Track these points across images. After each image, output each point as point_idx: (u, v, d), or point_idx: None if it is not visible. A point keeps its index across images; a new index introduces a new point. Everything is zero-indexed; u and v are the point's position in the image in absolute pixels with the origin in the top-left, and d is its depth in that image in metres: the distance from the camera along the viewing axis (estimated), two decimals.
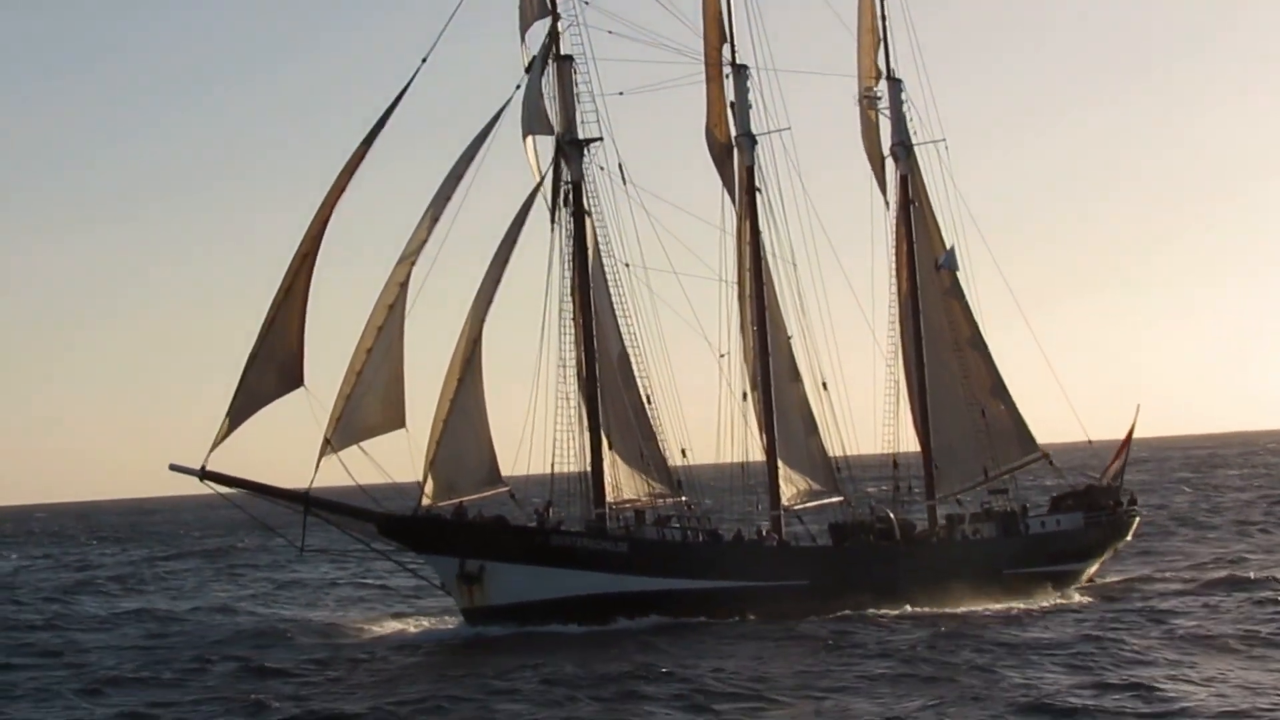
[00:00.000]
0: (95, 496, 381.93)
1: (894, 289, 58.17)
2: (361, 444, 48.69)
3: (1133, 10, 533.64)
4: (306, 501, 48.30)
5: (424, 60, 49.95)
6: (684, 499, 52.79)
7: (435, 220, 49.39)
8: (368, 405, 48.69)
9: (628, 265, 52.23)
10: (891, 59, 58.36)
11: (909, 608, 50.23)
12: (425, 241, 49.23)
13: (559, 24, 51.85)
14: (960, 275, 57.96)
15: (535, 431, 50.23)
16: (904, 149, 58.40)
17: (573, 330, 51.56)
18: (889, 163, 58.55)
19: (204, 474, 47.79)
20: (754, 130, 55.17)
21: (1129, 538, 59.77)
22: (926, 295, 58.05)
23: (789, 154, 55.45)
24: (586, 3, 51.79)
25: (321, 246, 48.75)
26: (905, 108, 58.37)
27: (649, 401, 52.32)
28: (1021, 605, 50.55)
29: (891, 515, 55.39)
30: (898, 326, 57.94)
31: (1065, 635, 42.52)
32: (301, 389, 48.76)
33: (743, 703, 34.62)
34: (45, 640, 51.12)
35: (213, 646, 47.17)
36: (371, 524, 49.05)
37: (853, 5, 58.20)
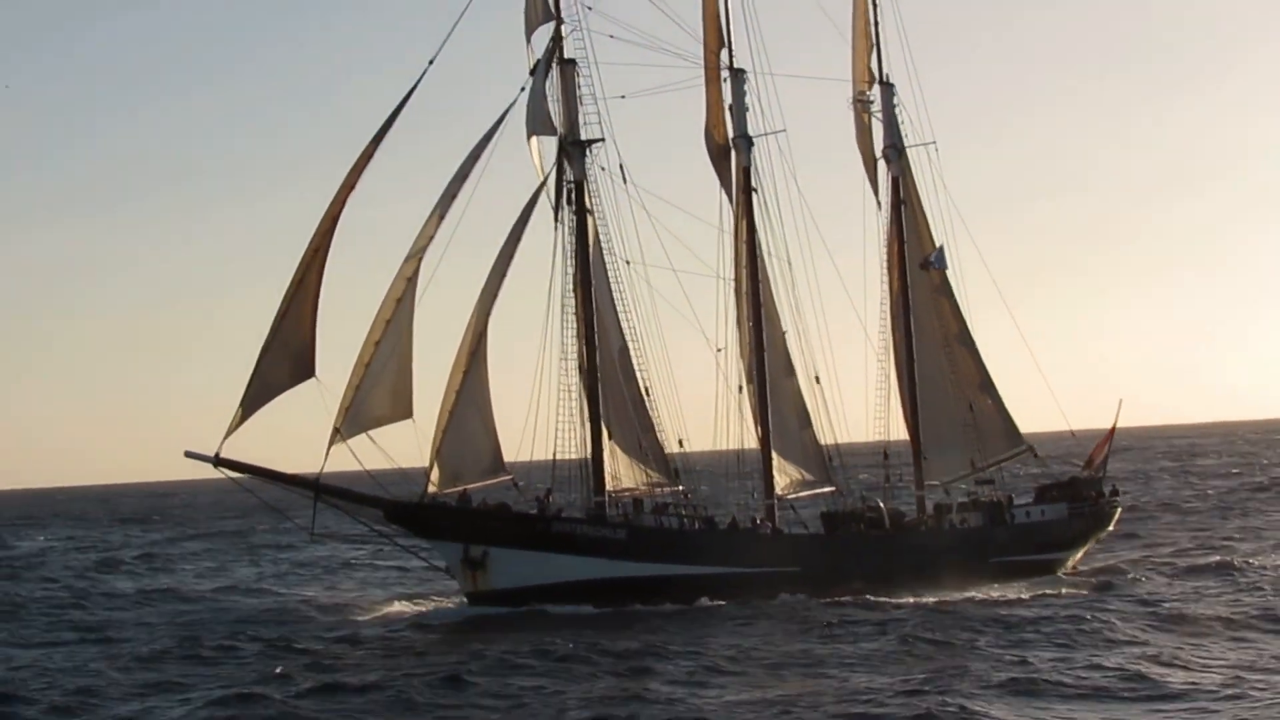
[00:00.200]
0: (114, 480, 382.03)
1: (885, 286, 57.96)
2: (369, 432, 48.51)
3: (1103, 19, 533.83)
4: (317, 488, 48.14)
5: (431, 61, 49.91)
6: (681, 488, 52.59)
7: (442, 217, 49.23)
8: (376, 396, 48.56)
9: (628, 262, 52.10)
10: (884, 63, 58.17)
11: (899, 593, 49.96)
12: (433, 237, 49.08)
13: (562, 28, 51.64)
14: (949, 273, 57.78)
15: (538, 421, 50.17)
16: (896, 151, 58.11)
17: (574, 324, 51.40)
18: (881, 164, 58.29)
19: (218, 461, 47.68)
20: (750, 132, 54.99)
21: (1111, 527, 59.56)
22: (917, 293, 57.81)
23: (784, 155, 55.54)
24: (589, 8, 51.70)
25: (331, 242, 48.51)
26: (897, 111, 58.10)
27: (648, 394, 52.17)
28: (1007, 592, 50.25)
29: (881, 504, 55.32)
30: (889, 323, 57.71)
31: (1051, 618, 42.22)
32: (313, 379, 48.60)
33: (751, 677, 34.71)
34: (81, 618, 51.16)
35: (239, 624, 47.25)
36: (379, 510, 49.00)
37: (847, 12, 58.11)
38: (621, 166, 51.86)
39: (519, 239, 50.29)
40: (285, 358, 48.17)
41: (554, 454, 50.42)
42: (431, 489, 49.16)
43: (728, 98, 54.86)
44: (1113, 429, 60.32)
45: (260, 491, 50.06)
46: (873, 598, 48.77)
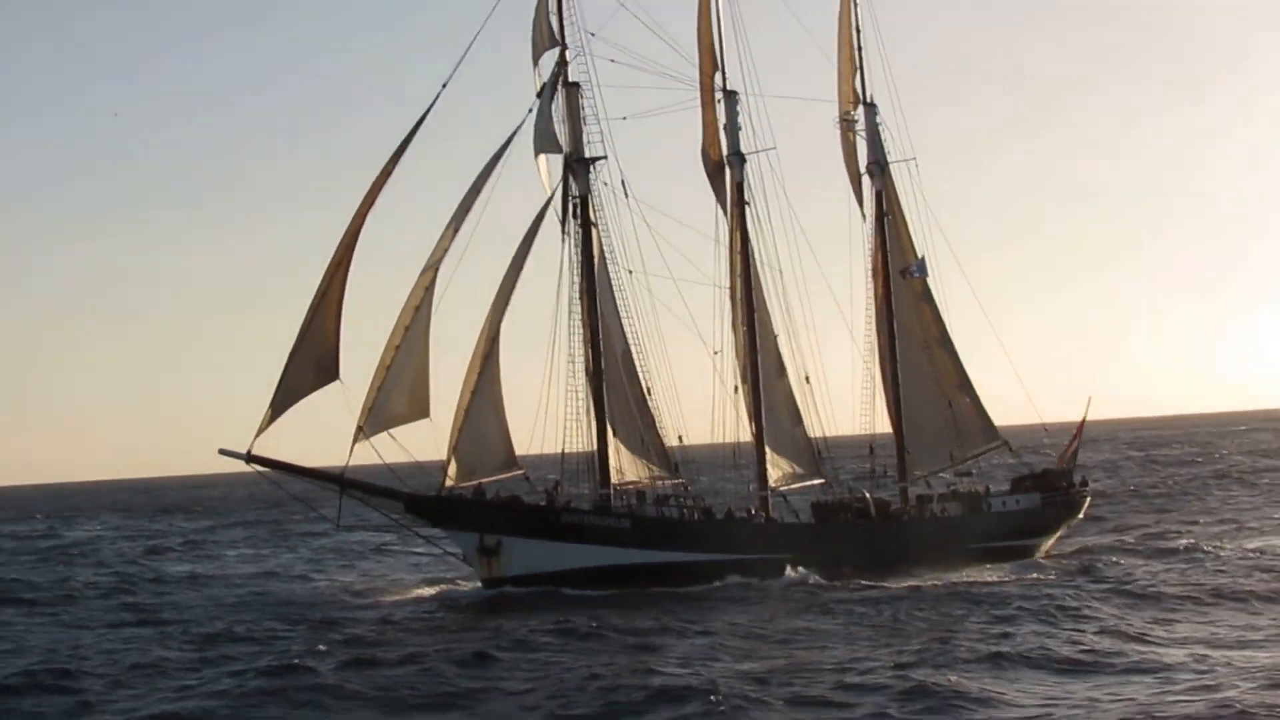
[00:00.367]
0: (154, 474, 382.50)
1: (870, 293, 57.68)
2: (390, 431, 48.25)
3: (1070, 43, 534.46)
4: (342, 483, 47.92)
5: (444, 85, 49.55)
6: (681, 481, 52.35)
7: (457, 230, 48.96)
8: (396, 397, 48.32)
9: (630, 271, 51.91)
10: (867, 85, 57.84)
11: (886, 578, 49.57)
12: (448, 249, 48.82)
13: (567, 54, 51.44)
14: (930, 281, 57.46)
15: (547, 419, 50.01)
16: (879, 167, 57.80)
17: (581, 329, 51.23)
18: (865, 179, 57.99)
19: (249, 458, 47.40)
20: (743, 150, 54.86)
21: (1081, 515, 59.35)
22: (900, 299, 57.51)
23: (775, 171, 55.69)
24: (593, 34, 51.50)
25: (354, 254, 48.24)
26: (880, 129, 57.80)
27: (649, 393, 51.95)
28: (987, 575, 49.87)
29: (867, 495, 55.22)
30: (873, 326, 57.43)
31: (1030, 598, 41.93)
32: (337, 382, 48.29)
33: (755, 651, 34.72)
34: (135, 601, 51.07)
35: (281, 606, 47.27)
36: (400, 503, 48.81)
37: (832, 37, 57.89)
38: (623, 182, 51.78)
39: (528, 250, 50.03)
40: (310, 363, 47.84)
41: (562, 449, 50.25)
42: (448, 483, 48.98)
43: (722, 118, 54.62)
44: (1082, 422, 60.16)
45: (288, 485, 49.74)
46: (862, 582, 48.42)
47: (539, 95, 50.84)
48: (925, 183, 57.99)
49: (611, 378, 51.34)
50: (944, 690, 28.66)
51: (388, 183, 48.41)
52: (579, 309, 51.18)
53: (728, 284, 54.58)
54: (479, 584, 49.23)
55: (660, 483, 51.99)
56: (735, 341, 54.52)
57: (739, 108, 54.43)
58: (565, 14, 51.16)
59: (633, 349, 51.72)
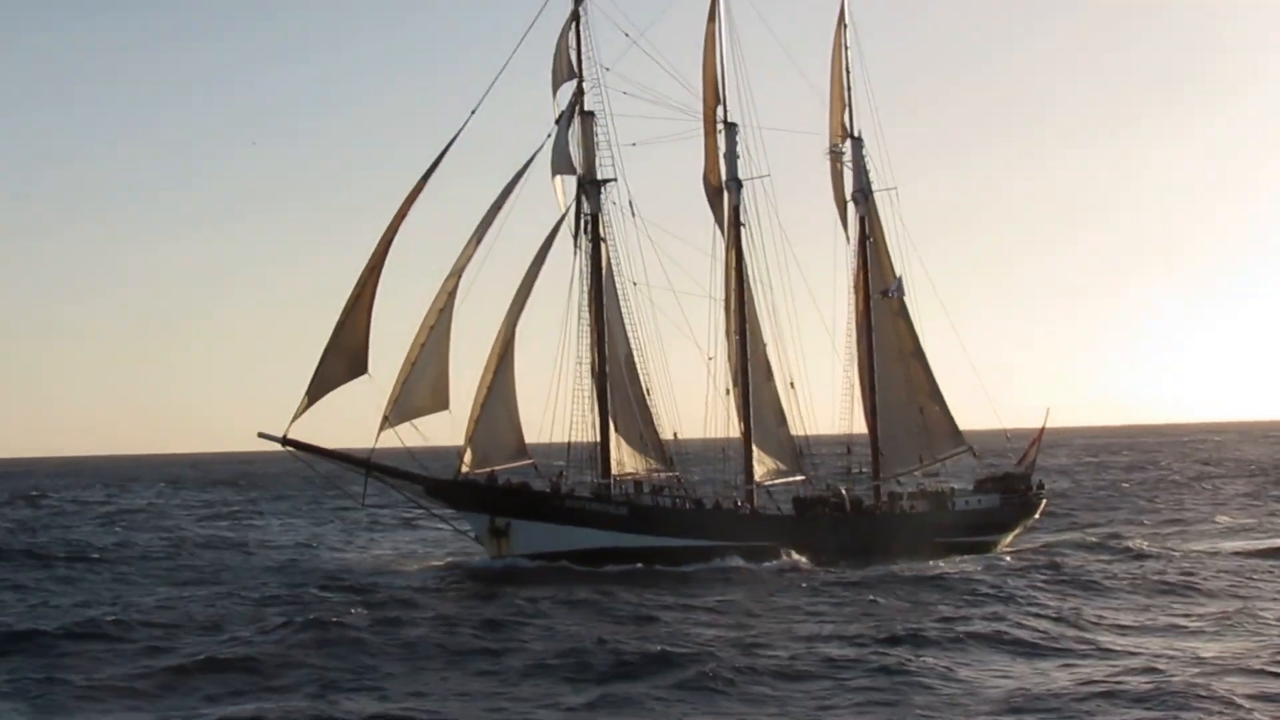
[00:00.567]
0: (201, 449, 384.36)
1: (851, 308, 57.45)
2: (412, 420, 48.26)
3: (1034, 81, 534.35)
4: (368, 466, 48.10)
5: (473, 112, 49.68)
6: (675, 473, 52.27)
7: (479, 241, 49.04)
8: (419, 390, 48.40)
9: (635, 283, 51.81)
10: (854, 121, 57.61)
11: (859, 566, 49.37)
12: (470, 258, 48.98)
13: (583, 85, 51.45)
14: (906, 299, 57.21)
15: (555, 413, 50.00)
16: (863, 195, 57.51)
17: (588, 334, 51.23)
18: (850, 206, 57.65)
19: (285, 441, 47.53)
20: (741, 176, 54.65)
21: (1037, 515, 59.03)
22: (878, 314, 57.22)
23: (769, 196, 55.73)
24: (607, 69, 51.48)
25: (386, 261, 48.39)
26: (865, 161, 57.56)
27: (648, 393, 51.87)
28: (953, 567, 49.62)
29: (844, 491, 55.02)
30: (854, 338, 57.15)
31: (992, 586, 41.91)
32: (366, 375, 48.39)
33: (744, 623, 34.85)
34: (194, 563, 51.47)
35: (321, 572, 47.48)
36: (420, 486, 48.88)
37: (824, 77, 57.60)
38: (630, 202, 51.77)
39: (543, 261, 50.03)
40: (343, 357, 48.05)
41: (569, 440, 50.21)
42: (464, 469, 49.04)
43: (722, 147, 54.44)
44: (1041, 430, 59.74)
45: (318, 466, 49.79)
46: (836, 570, 48.22)
47: (557, 122, 50.88)
48: (904, 209, 57.92)
49: (615, 378, 51.29)
50: (913, 667, 28.72)
51: (419, 197, 48.56)
52: (587, 315, 51.20)
53: (722, 296, 54.42)
54: (490, 561, 49.24)
55: (656, 474, 51.94)
56: (728, 348, 54.36)
57: (738, 138, 54.29)
58: (583, 50, 51.30)
59: (635, 353, 51.65)
